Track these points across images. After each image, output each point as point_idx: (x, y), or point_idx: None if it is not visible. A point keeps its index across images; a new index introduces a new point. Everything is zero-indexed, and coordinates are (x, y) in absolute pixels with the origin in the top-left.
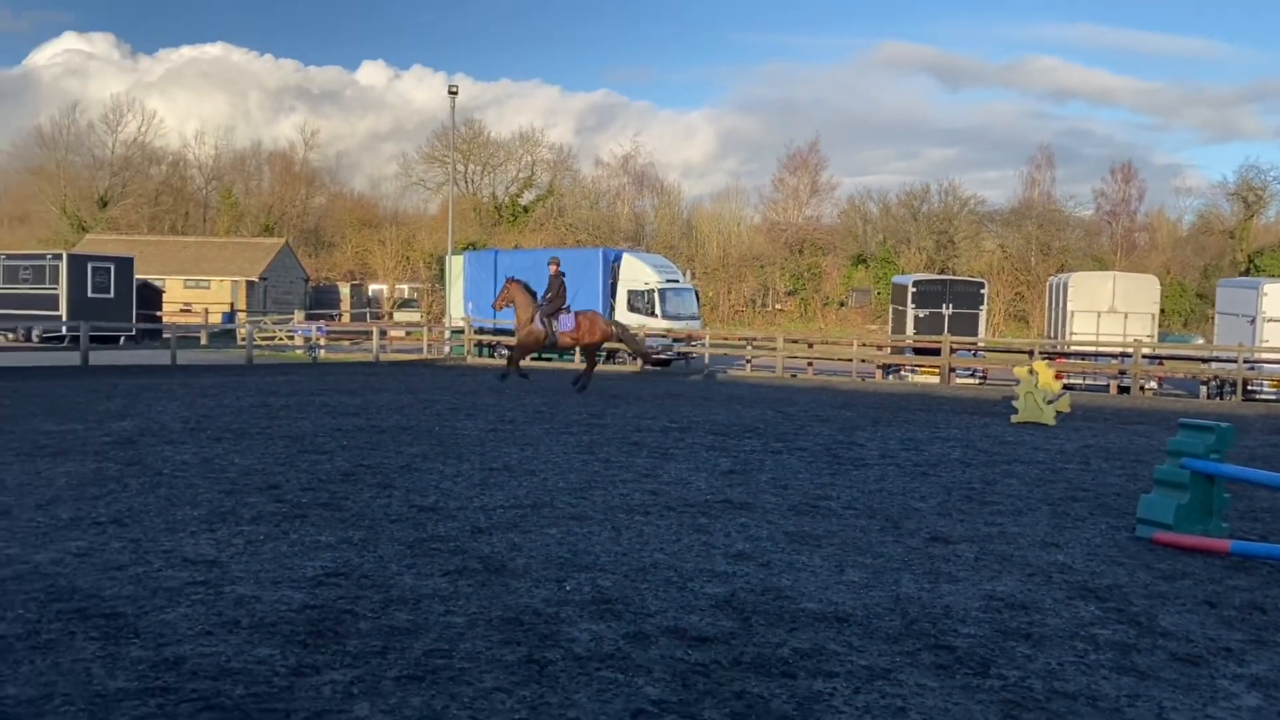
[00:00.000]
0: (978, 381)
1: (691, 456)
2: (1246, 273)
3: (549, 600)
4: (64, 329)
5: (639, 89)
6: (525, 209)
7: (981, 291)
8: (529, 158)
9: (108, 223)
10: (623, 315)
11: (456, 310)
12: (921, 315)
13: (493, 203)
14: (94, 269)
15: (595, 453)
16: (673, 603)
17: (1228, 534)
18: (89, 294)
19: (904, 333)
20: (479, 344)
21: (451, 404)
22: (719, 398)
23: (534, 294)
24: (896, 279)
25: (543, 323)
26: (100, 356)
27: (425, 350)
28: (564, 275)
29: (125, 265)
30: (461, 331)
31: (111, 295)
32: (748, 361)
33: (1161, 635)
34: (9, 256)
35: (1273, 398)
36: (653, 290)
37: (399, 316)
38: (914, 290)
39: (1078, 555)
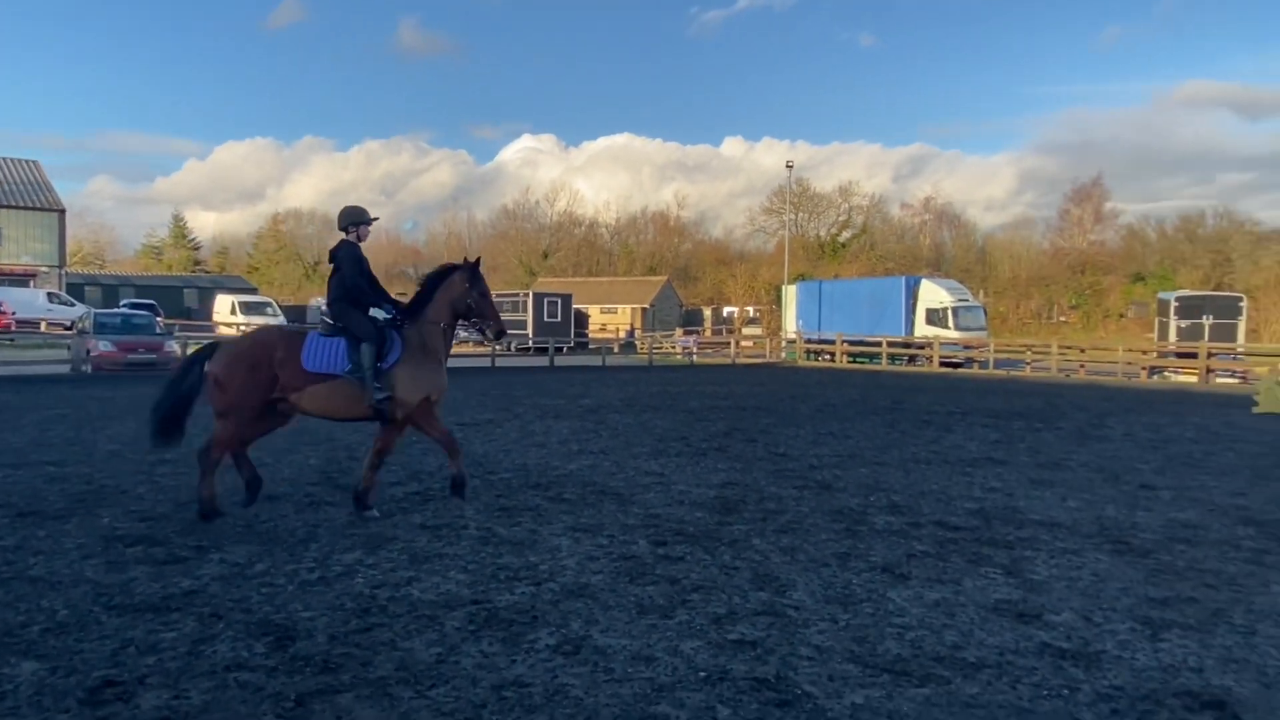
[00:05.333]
0: (1238, 381)
1: (967, 430)
2: None
3: (859, 504)
4: (531, 342)
5: (949, 140)
6: (843, 245)
7: (1240, 305)
8: (846, 204)
9: (548, 269)
10: (921, 329)
11: (790, 326)
12: (1183, 325)
13: (816, 241)
14: (548, 301)
15: (895, 427)
16: (940, 510)
17: None
18: (544, 318)
19: (1167, 340)
20: (807, 351)
21: (790, 393)
22: (997, 391)
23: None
24: (1161, 294)
25: None
26: (558, 360)
27: (768, 355)
28: None
29: (567, 299)
30: (794, 341)
31: (559, 319)
32: (1027, 364)
33: None
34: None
35: None
36: (946, 308)
37: (746, 331)
38: (1176, 304)
39: (1258, 501)
